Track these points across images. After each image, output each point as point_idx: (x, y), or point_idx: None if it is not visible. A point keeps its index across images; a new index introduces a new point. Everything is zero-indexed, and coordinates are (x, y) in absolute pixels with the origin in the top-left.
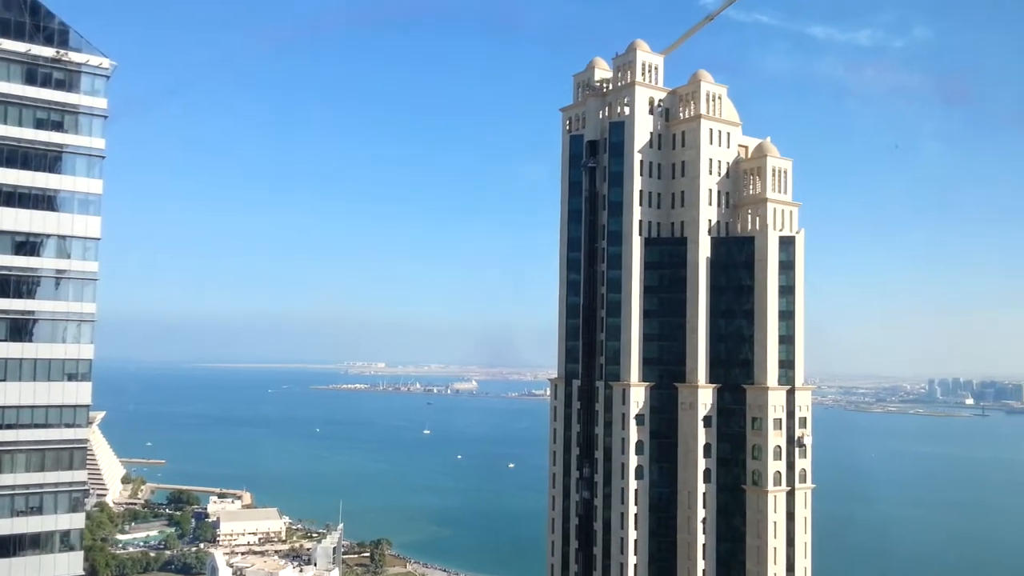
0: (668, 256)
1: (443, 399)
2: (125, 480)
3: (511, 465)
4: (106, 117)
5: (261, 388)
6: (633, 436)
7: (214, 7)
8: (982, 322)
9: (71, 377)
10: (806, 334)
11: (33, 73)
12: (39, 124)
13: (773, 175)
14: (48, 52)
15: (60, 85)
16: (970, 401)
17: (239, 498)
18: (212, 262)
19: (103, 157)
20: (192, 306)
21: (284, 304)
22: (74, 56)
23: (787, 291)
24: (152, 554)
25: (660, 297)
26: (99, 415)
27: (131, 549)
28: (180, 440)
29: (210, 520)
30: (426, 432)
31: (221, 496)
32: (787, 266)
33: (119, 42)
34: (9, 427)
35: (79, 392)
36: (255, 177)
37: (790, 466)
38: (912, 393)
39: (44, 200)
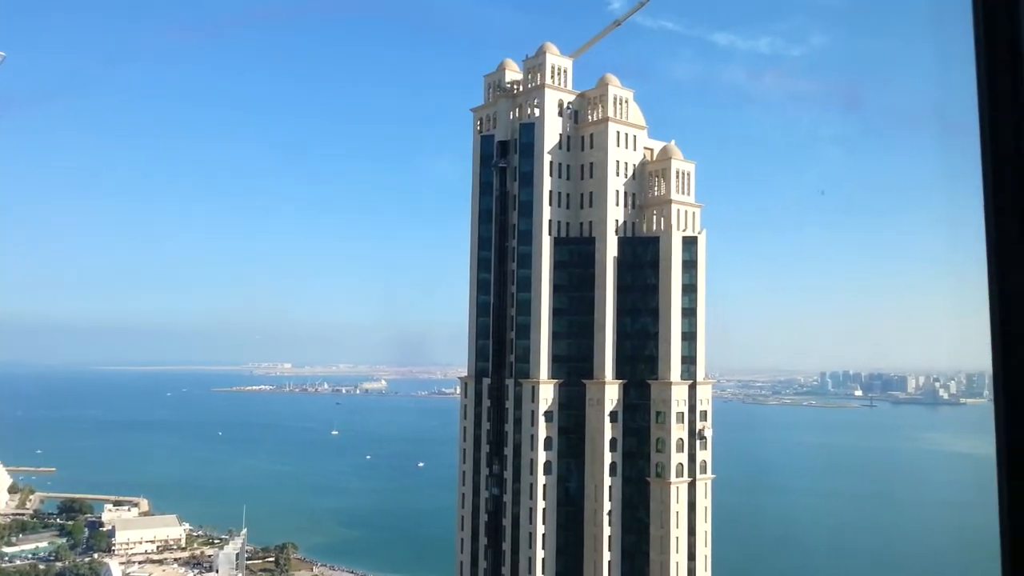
0: (577, 255)
1: (352, 399)
2: (12, 490)
3: (421, 464)
4: None
5: (159, 391)
6: (542, 432)
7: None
8: (870, 317)
9: None
10: (708, 331)
11: None
12: None
13: (677, 177)
14: None
15: None
16: (859, 393)
17: (136, 505)
18: (108, 261)
19: None
20: (86, 306)
21: (185, 305)
22: None
23: (690, 289)
24: (42, 566)
25: (569, 296)
26: None
27: (19, 562)
28: (72, 447)
29: (104, 529)
30: (334, 433)
31: (116, 504)
32: (690, 265)
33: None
34: None
35: None
36: (154, 179)
37: (692, 458)
38: (805, 385)
39: None
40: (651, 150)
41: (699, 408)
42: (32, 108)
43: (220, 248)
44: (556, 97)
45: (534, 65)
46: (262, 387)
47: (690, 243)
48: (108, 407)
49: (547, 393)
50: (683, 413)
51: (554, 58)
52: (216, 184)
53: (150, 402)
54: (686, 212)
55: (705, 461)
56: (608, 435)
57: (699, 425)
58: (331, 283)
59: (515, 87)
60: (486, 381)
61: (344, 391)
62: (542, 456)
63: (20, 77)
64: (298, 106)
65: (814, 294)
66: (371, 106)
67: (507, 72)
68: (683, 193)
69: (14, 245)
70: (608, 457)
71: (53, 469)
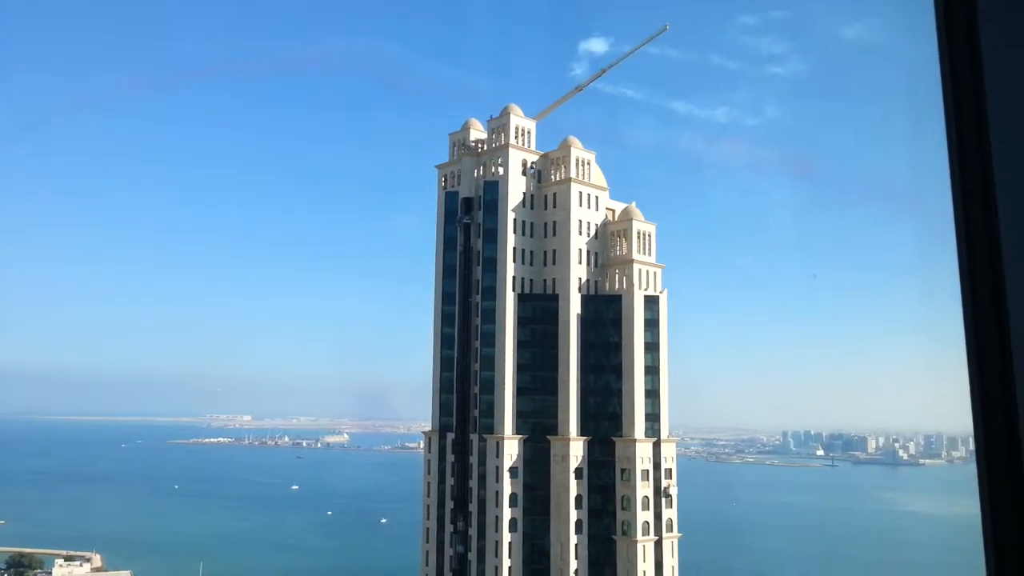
0: (540, 312)
1: (313, 452)
2: None
3: (383, 520)
4: None
5: (113, 442)
6: (507, 489)
7: (80, 47)
8: (830, 377)
9: None
10: (670, 388)
11: None
12: None
13: (638, 238)
14: None
15: None
16: (820, 452)
17: (88, 560)
18: (57, 308)
19: None
20: (33, 353)
21: (139, 354)
22: None
23: (652, 347)
24: None
25: (532, 351)
26: None
27: None
28: (20, 498)
29: None
30: (294, 488)
31: (68, 559)
32: (652, 324)
33: None
34: None
35: None
36: (106, 232)
37: (657, 516)
38: (768, 444)
39: None
40: (613, 211)
41: (664, 466)
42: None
43: (177, 298)
44: (520, 157)
45: (498, 125)
46: (220, 439)
47: (652, 302)
48: (59, 458)
49: (512, 449)
50: (648, 471)
51: (518, 119)
52: (175, 238)
53: (104, 453)
54: (648, 272)
55: (671, 519)
56: (573, 492)
57: (664, 483)
58: (291, 336)
59: (479, 146)
60: (450, 436)
61: (305, 444)
62: (507, 513)
63: None
64: (259, 163)
65: (775, 354)
66: (333, 163)
67: (472, 131)
68: (644, 253)
69: None
70: (574, 515)
71: (2, 521)
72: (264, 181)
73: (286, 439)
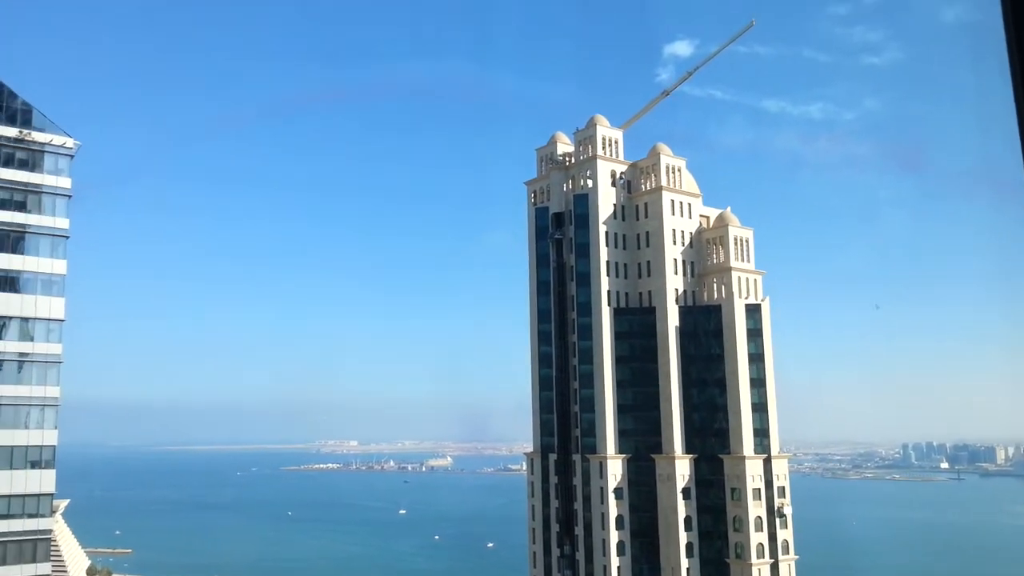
0: (638, 326)
1: (418, 476)
2: (91, 572)
3: (490, 544)
4: (70, 197)
5: (229, 471)
6: (613, 510)
7: (183, 88)
8: (953, 386)
9: (34, 464)
10: (779, 401)
11: None
12: (1, 204)
13: (735, 244)
14: (11, 132)
15: (23, 165)
16: (945, 465)
17: None
18: (173, 342)
19: (67, 237)
20: (157, 388)
21: (251, 385)
22: (37, 136)
23: (757, 359)
24: None
25: (632, 367)
26: (63, 503)
27: None
28: (147, 527)
29: None
30: (401, 512)
31: None
32: (755, 334)
33: (87, 121)
34: None
35: (43, 480)
36: (218, 258)
37: (772, 537)
38: (887, 458)
39: (7, 282)
40: (707, 218)
41: (776, 484)
42: (108, 190)
43: (283, 327)
44: (608, 168)
45: (585, 137)
46: (329, 465)
47: (754, 311)
48: (180, 487)
49: (615, 469)
50: (759, 489)
51: (604, 129)
52: (281, 264)
53: (220, 482)
54: (747, 279)
55: (787, 540)
56: (682, 513)
57: (777, 502)
58: (393, 361)
59: (567, 159)
60: (552, 456)
61: (410, 468)
62: (614, 536)
63: (98, 161)
64: (361, 187)
65: (890, 361)
66: (427, 185)
67: (559, 145)
68: (743, 260)
69: (85, 328)
70: (684, 537)
71: (130, 550)
72: (365, 204)
73: (391, 463)
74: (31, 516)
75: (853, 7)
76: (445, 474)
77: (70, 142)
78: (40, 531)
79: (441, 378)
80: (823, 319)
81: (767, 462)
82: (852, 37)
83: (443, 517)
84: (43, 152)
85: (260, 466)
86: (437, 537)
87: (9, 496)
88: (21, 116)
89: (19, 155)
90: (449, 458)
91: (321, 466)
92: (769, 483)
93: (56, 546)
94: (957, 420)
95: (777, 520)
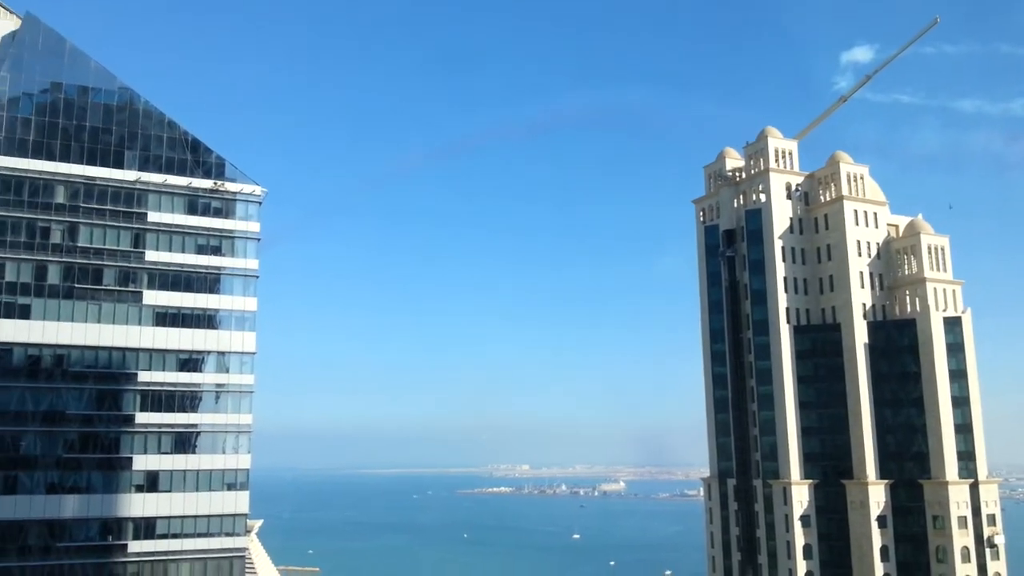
0: (821, 344)
1: (591, 501)
2: None
3: (668, 572)
4: (259, 240)
5: (406, 493)
6: (799, 539)
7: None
8: None
9: (230, 487)
10: (987, 421)
11: (194, 203)
12: (199, 249)
13: (929, 253)
14: (207, 184)
15: (217, 213)
16: None
17: None
18: (358, 373)
19: (257, 277)
20: (340, 414)
21: (427, 410)
22: (230, 186)
23: (959, 375)
24: None
25: (816, 387)
26: (257, 523)
27: None
28: (333, 547)
29: None
30: (575, 536)
31: None
32: (956, 348)
33: (270, 169)
34: (175, 536)
35: (238, 501)
36: (393, 289)
37: (982, 569)
38: None
39: (205, 319)
40: (895, 227)
41: (984, 511)
42: (299, 230)
43: (457, 353)
44: (783, 180)
45: (755, 150)
46: (502, 489)
47: (953, 324)
48: (362, 509)
49: (801, 495)
50: (966, 517)
51: (776, 141)
52: (458, 294)
53: (399, 504)
54: (944, 290)
55: (999, 573)
56: (877, 543)
57: (987, 531)
58: (566, 384)
59: (736, 174)
60: (731, 482)
61: (582, 492)
62: (802, 566)
63: (289, 201)
64: (534, 224)
65: None
66: (591, 216)
67: (727, 160)
68: (938, 270)
69: (278, 357)
70: (880, 568)
71: (318, 569)
72: (537, 240)
73: (563, 487)
74: (228, 535)
75: None
76: (619, 499)
77: (258, 190)
78: (236, 549)
79: (614, 402)
80: None
81: (974, 487)
82: None
83: (618, 543)
84: (235, 200)
85: (436, 488)
86: (613, 563)
87: (208, 516)
88: (215, 169)
89: (214, 204)
90: (622, 483)
91: (494, 489)
92: (977, 510)
93: (251, 563)
94: None
95: (987, 551)
